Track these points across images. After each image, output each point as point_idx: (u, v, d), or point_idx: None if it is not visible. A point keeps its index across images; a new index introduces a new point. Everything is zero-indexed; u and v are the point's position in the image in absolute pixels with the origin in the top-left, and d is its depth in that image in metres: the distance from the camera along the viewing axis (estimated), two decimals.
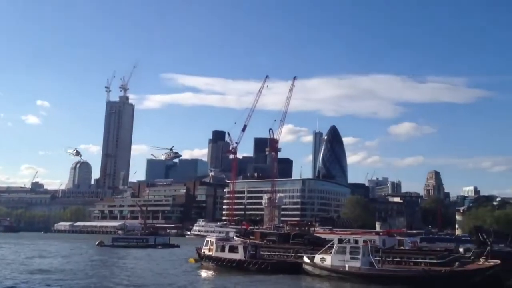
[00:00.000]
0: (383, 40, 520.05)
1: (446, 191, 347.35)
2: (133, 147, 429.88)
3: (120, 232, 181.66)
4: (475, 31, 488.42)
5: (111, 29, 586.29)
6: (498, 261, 39.84)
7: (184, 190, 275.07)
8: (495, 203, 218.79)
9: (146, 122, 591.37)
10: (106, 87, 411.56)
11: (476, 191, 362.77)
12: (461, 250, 50.75)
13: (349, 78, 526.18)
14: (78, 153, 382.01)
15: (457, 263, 41.57)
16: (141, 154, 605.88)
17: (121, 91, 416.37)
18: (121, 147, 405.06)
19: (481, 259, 41.62)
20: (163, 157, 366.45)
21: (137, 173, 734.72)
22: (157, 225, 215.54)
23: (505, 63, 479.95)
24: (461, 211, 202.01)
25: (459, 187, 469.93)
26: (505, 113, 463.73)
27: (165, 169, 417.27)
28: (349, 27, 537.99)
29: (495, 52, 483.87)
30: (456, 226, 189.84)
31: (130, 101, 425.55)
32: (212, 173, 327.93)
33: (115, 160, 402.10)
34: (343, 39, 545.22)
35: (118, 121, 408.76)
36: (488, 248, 43.32)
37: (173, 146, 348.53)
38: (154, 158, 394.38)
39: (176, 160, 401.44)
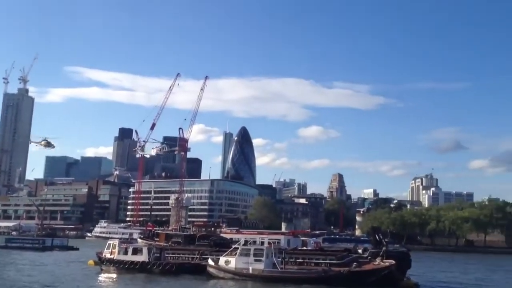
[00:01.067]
0: (293, 44, 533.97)
1: (348, 193, 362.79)
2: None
3: (14, 233, 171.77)
4: (379, 41, 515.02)
5: (11, 17, 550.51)
6: (393, 262, 41.89)
7: (86, 190, 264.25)
8: (392, 205, 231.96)
9: (47, 117, 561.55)
10: (4, 78, 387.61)
11: (375, 193, 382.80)
12: (359, 250, 52.60)
13: (260, 80, 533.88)
14: None
15: (355, 263, 43.01)
16: (41, 150, 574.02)
17: (20, 83, 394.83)
18: (19, 142, 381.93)
19: (377, 259, 43.52)
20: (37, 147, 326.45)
21: (35, 170, 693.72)
22: (55, 226, 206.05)
23: (403, 73, 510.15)
24: (361, 212, 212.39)
25: (360, 190, 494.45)
26: (403, 120, 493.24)
27: (66, 167, 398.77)
28: (261, 30, 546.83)
29: (396, 62, 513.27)
30: (356, 226, 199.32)
31: (30, 93, 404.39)
32: (117, 172, 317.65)
33: (11, 156, 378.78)
34: (255, 41, 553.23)
35: (16, 115, 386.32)
36: (384, 248, 45.25)
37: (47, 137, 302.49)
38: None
39: (78, 157, 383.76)
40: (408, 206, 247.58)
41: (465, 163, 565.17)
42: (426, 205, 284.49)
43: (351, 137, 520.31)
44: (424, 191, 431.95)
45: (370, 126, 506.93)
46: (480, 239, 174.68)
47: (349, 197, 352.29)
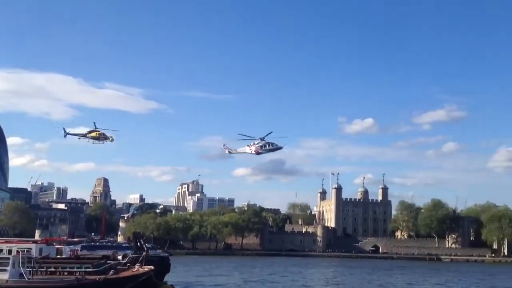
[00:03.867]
0: (59, 39, 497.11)
1: (113, 198, 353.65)
2: None
3: None
4: (151, 43, 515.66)
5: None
6: (152, 267, 40.88)
7: None
8: (158, 211, 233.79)
9: None
10: None
11: (141, 198, 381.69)
12: (119, 257, 50.61)
13: (20, 73, 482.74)
14: None
15: (112, 270, 41.02)
16: None
17: None
18: None
19: (136, 265, 42.11)
20: None
21: None
22: None
23: (177, 79, 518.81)
24: (125, 218, 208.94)
25: (127, 195, 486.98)
26: (174, 126, 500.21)
27: None
28: (30, 23, 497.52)
29: (170, 69, 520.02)
30: (119, 232, 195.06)
31: None
32: None
33: None
34: (13, 32, 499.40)
35: None
36: (144, 253, 44.09)
37: None
38: None
39: None
40: (174, 211, 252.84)
41: (230, 171, 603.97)
42: (191, 210, 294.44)
43: (120, 140, 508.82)
44: (189, 197, 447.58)
45: (142, 130, 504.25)
46: (238, 242, 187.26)
47: (113, 202, 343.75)
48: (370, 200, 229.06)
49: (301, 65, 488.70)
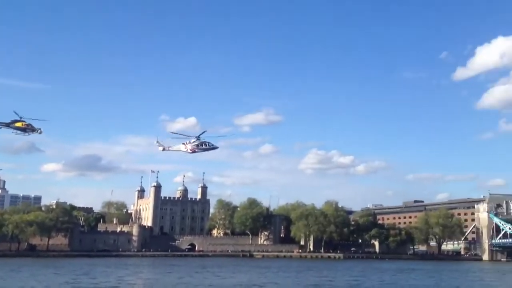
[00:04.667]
0: None
1: None
2: None
3: None
4: None
5: None
6: None
7: None
8: None
9: None
10: None
11: None
12: None
13: None
14: None
15: None
16: None
17: None
18: None
19: None
20: None
21: None
22: None
23: None
24: None
25: None
26: None
27: None
28: None
29: None
30: None
31: None
32: None
33: None
34: None
35: None
36: None
37: None
38: None
39: None
40: None
41: (38, 166, 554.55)
42: None
43: None
44: None
45: None
46: (44, 243, 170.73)
47: None
48: (189, 199, 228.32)
49: (122, 62, 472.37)
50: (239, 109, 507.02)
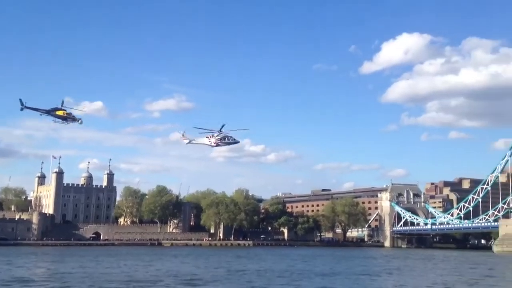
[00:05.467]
0: None
1: None
2: None
3: None
4: None
5: None
6: None
7: None
8: None
9: None
10: None
11: None
12: None
13: None
14: None
15: None
16: None
17: None
18: None
19: None
20: None
21: None
22: None
23: None
24: None
25: None
26: None
27: None
28: None
29: None
30: None
31: None
32: None
33: None
34: None
35: None
36: None
37: None
38: None
39: None
40: None
41: None
42: None
43: None
44: None
45: None
46: None
47: None
48: (94, 186, 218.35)
49: (23, 39, 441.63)
50: (150, 95, 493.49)
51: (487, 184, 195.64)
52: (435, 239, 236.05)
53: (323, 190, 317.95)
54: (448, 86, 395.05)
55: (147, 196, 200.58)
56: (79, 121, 77.21)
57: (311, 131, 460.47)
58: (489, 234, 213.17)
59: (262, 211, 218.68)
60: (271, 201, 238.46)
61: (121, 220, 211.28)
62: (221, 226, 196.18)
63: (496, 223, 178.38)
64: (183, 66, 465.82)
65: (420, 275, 70.59)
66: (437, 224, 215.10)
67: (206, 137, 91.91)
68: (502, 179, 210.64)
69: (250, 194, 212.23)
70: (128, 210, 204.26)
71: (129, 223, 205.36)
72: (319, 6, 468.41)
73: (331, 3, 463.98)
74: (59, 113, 75.15)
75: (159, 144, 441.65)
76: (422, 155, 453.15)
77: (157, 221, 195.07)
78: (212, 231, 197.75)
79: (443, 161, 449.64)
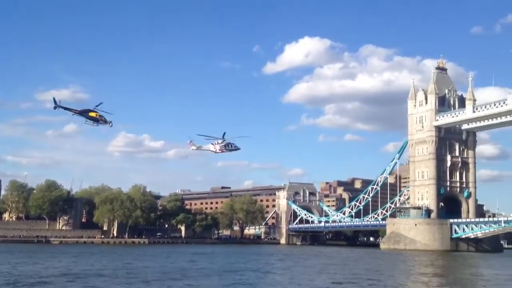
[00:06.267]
0: None
1: None
2: None
3: None
4: None
5: None
6: None
7: None
8: None
9: None
10: None
11: None
12: None
13: None
14: None
15: None
16: None
17: None
18: None
19: None
20: None
21: None
22: None
23: None
24: None
25: None
26: None
27: None
28: None
29: None
30: None
31: None
32: None
33: None
34: None
35: None
36: None
37: None
38: None
39: None
40: None
41: None
42: None
43: None
44: None
45: None
46: None
47: None
48: None
49: None
50: (43, 84, 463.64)
51: (377, 185, 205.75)
52: (327, 237, 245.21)
53: (222, 187, 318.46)
54: (345, 90, 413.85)
55: (35, 191, 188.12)
56: (110, 124, 75.33)
57: (210, 128, 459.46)
58: (377, 232, 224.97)
59: (160, 208, 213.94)
60: (169, 197, 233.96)
61: (6, 215, 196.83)
62: (115, 223, 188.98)
63: (384, 222, 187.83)
64: (79, 56, 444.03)
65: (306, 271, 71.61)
66: (330, 222, 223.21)
67: (212, 143, 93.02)
68: (391, 180, 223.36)
69: (148, 191, 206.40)
70: (13, 205, 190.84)
71: (14, 219, 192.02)
72: (225, 4, 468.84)
73: (236, 3, 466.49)
74: (92, 114, 73.76)
75: (51, 136, 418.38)
76: (319, 156, 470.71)
77: (45, 217, 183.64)
78: (105, 228, 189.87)
79: (338, 161, 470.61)
